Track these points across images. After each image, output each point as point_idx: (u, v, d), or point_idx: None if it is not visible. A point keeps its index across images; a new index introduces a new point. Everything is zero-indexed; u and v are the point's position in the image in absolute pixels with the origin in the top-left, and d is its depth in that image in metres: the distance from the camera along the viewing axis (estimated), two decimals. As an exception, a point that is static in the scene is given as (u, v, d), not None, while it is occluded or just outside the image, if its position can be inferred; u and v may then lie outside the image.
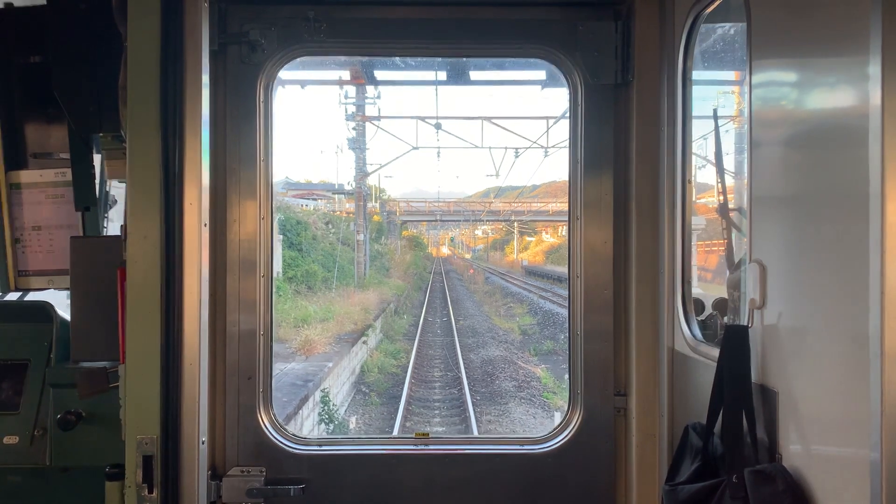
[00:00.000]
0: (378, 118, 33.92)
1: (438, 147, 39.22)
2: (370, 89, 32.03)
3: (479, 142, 33.93)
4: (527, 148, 35.61)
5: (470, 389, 17.02)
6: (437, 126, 31.53)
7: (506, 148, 36.07)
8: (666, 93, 3.38)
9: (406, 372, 19.20)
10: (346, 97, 32.52)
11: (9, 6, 3.50)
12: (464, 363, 20.14)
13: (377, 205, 50.64)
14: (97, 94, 3.29)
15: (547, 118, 32.19)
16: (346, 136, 36.74)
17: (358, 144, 35.23)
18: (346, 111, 33.19)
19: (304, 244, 30.39)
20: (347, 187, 40.30)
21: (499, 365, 20.52)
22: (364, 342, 21.70)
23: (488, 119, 32.24)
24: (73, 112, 3.36)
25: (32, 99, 3.56)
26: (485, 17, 3.63)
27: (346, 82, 28.48)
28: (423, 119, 32.68)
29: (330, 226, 37.18)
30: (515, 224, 62.81)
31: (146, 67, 2.93)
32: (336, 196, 45.52)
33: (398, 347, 23.38)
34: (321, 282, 28.90)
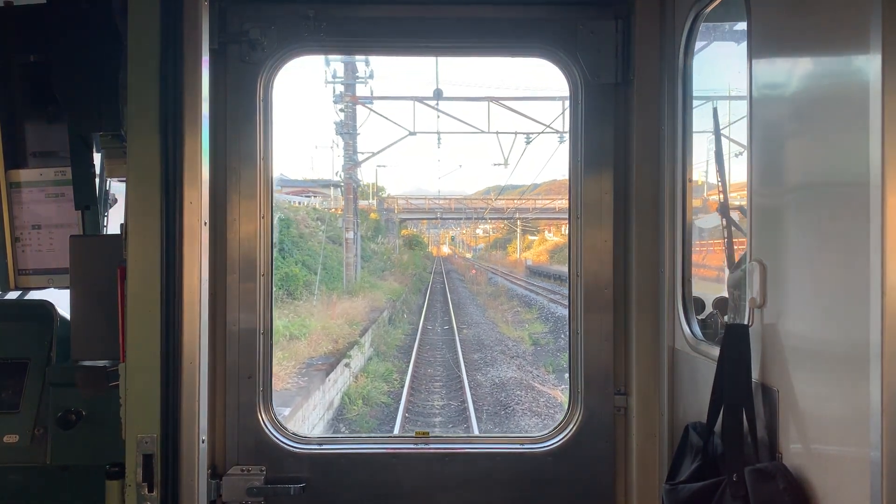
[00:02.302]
0: (370, 99, 29.98)
1: (438, 132, 35.13)
2: (361, 67, 28.96)
3: (484, 126, 30.20)
4: (539, 133, 31.87)
5: (480, 430, 13.47)
6: (438, 94, 27.48)
7: (515, 133, 31.95)
8: (666, 92, 3.38)
9: (399, 401, 15.59)
10: (333, 76, 29.09)
11: (9, 5, 3.50)
12: (470, 389, 16.40)
13: (374, 202, 47.36)
14: (97, 93, 3.28)
15: (563, 98, 27.27)
16: (333, 120, 32.09)
17: (347, 129, 30.58)
18: (335, 91, 29.47)
19: (287, 243, 27.21)
20: (336, 178, 35.59)
21: (513, 390, 16.76)
22: (346, 365, 17.60)
23: (495, 100, 27.47)
24: (73, 111, 3.36)
25: (32, 98, 3.56)
26: (485, 15, 3.63)
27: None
28: (421, 100, 28.06)
29: (320, 223, 33.53)
30: (518, 222, 61.70)
31: (146, 66, 2.93)
32: (332, 193, 41.88)
33: (390, 368, 19.26)
34: (303, 286, 25.11)
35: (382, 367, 19.34)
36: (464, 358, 20.16)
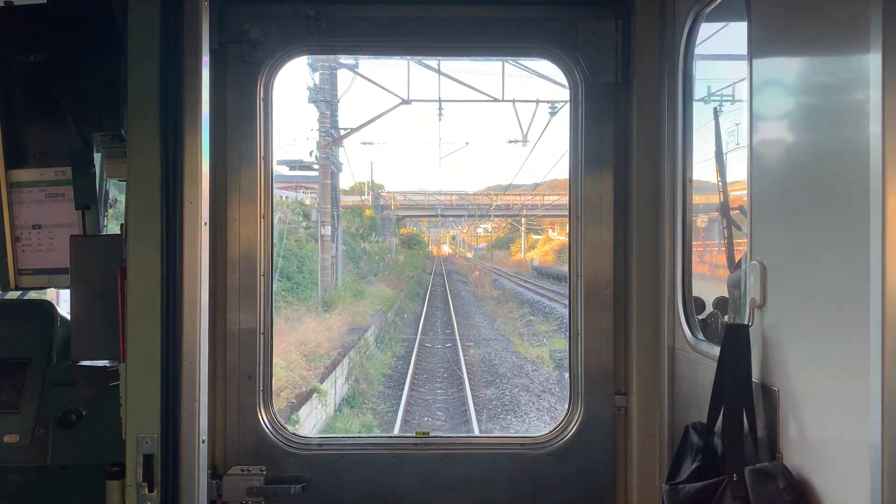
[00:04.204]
0: (355, 60, 23.92)
1: (440, 100, 27.73)
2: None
3: (498, 92, 23.37)
4: (567, 102, 26.62)
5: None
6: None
7: (537, 101, 25.74)
8: (666, 91, 3.38)
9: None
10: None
11: (9, 4, 3.50)
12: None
13: (370, 198, 43.65)
14: (97, 92, 3.28)
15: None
16: (307, 85, 25.31)
17: (323, 96, 24.35)
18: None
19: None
20: (309, 158, 27.05)
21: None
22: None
23: (513, 60, 20.87)
24: (74, 111, 3.36)
25: (33, 98, 3.56)
26: (485, 15, 3.63)
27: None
28: (418, 60, 22.63)
29: (301, 218, 28.19)
30: (523, 220, 60.39)
31: (146, 67, 2.93)
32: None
33: (369, 421, 13.89)
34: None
35: (356, 421, 13.85)
36: (474, 398, 14.70)
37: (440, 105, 29.03)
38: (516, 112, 26.86)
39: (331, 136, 24.95)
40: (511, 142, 32.47)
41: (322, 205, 24.50)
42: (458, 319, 26.20)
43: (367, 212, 41.86)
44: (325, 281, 23.89)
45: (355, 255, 32.72)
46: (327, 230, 24.05)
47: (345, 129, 26.70)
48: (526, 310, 28.48)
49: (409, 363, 17.93)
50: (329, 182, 24.89)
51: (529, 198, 53.28)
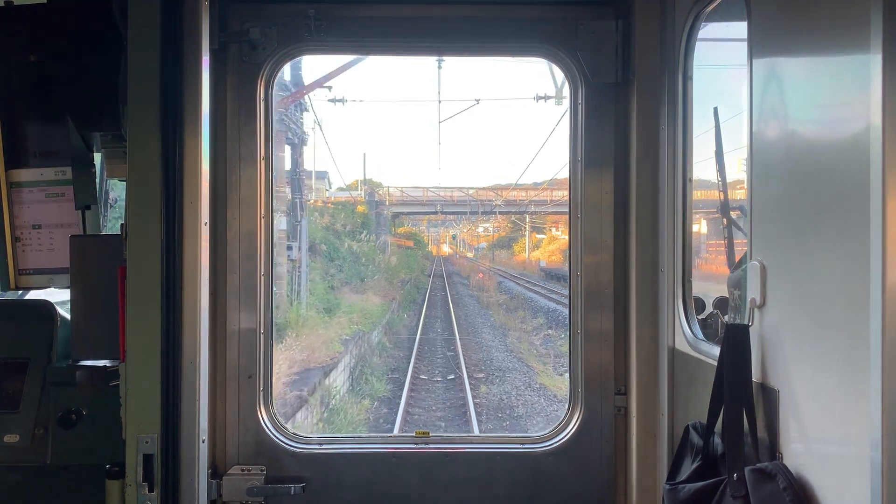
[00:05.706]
0: None
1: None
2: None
3: None
4: None
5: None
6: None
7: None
8: (666, 91, 3.38)
9: None
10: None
11: (9, 4, 3.50)
12: None
13: (363, 193, 38.14)
14: (97, 92, 3.29)
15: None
16: None
17: None
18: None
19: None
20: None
21: None
22: None
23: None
24: (74, 110, 3.37)
25: (33, 97, 3.56)
26: (485, 15, 3.63)
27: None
28: None
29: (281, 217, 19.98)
30: (527, 218, 59.17)
31: (146, 66, 2.94)
32: (316, 184, 27.50)
33: None
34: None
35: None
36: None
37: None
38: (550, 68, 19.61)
39: (287, 91, 18.22)
40: (539, 98, 24.18)
41: (275, 186, 16.95)
42: (461, 336, 21.42)
43: (360, 208, 36.86)
44: (279, 295, 16.79)
45: (339, 255, 26.94)
46: (282, 224, 17.30)
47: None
48: (541, 320, 24.22)
49: (397, 413, 12.89)
50: (284, 155, 18.05)
51: (535, 193, 50.92)
